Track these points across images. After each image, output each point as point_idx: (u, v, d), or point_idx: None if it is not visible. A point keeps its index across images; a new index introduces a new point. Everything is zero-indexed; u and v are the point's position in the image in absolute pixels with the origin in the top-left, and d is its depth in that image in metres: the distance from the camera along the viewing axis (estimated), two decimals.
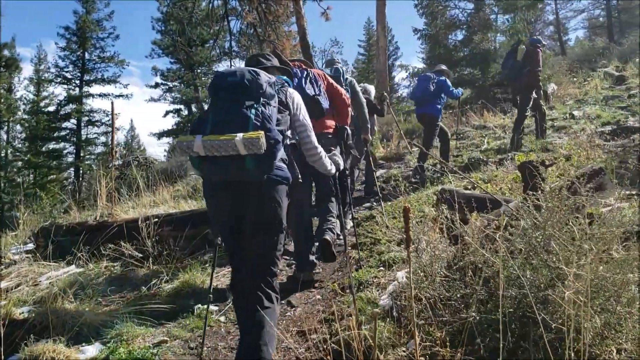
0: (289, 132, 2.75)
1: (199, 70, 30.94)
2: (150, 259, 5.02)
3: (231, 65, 13.98)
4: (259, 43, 11.01)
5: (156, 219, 5.57)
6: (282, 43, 10.49)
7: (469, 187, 6.46)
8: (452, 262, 3.14)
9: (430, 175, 7.89)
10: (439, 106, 8.22)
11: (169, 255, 5.04)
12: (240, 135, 2.33)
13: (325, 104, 4.13)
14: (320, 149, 3.02)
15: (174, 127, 32.56)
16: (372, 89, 7.93)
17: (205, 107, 30.40)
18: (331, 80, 4.47)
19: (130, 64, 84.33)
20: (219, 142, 2.35)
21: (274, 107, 2.58)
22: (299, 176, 2.91)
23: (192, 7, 15.74)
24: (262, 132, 2.37)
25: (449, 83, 8.30)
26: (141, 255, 5.15)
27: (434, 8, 15.79)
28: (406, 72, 16.72)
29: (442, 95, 8.16)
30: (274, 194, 2.63)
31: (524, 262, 2.67)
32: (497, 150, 8.66)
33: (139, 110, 62.11)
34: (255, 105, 2.48)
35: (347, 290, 3.84)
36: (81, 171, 28.97)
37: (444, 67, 8.70)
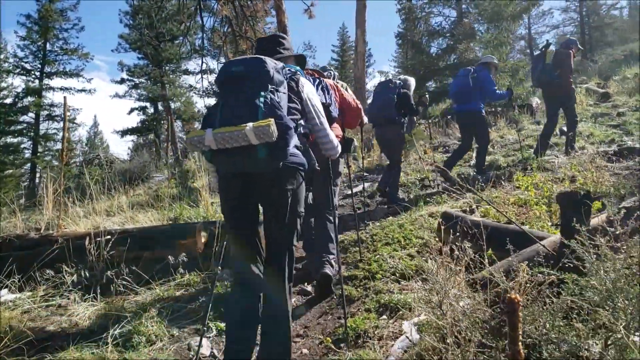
0: (302, 121, 2.73)
1: (167, 67, 29.73)
2: (99, 288, 4.14)
3: (202, 63, 13.11)
4: (234, 39, 10.14)
5: (109, 236, 4.71)
6: None
7: (467, 208, 5.81)
8: (491, 325, 2.43)
9: (419, 192, 7.23)
10: (481, 102, 7.54)
11: (122, 284, 4.20)
12: (250, 124, 2.28)
13: (334, 112, 4.01)
14: (333, 138, 3.08)
15: (139, 124, 31.25)
16: (412, 81, 7.12)
17: (173, 105, 29.54)
18: (342, 90, 4.47)
19: (98, 58, 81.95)
20: (230, 134, 2.30)
21: (284, 93, 2.54)
22: (316, 163, 2.87)
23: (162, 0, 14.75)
24: (272, 120, 2.31)
25: (492, 78, 7.58)
26: (87, 282, 4.27)
27: (416, 14, 15.21)
28: (385, 78, 16.05)
29: (481, 89, 7.46)
30: (288, 182, 2.59)
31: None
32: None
33: (104, 106, 60.15)
34: (263, 93, 2.41)
35: (342, 345, 3.09)
36: (38, 168, 27.42)
37: (492, 59, 8.01)
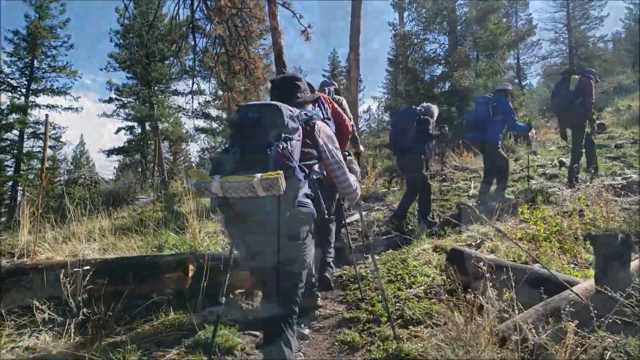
0: (316, 167, 2.68)
1: (156, 88, 29.35)
2: (73, 327, 3.72)
3: (193, 84, 12.82)
4: (227, 60, 9.86)
5: (87, 267, 4.28)
6: (253, 61, 9.39)
7: (472, 243, 5.50)
8: None
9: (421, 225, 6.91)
10: (498, 132, 7.36)
11: (100, 321, 3.79)
12: (258, 175, 2.23)
13: (332, 128, 3.88)
14: (352, 182, 2.93)
15: (126, 144, 30.70)
16: (435, 109, 6.96)
17: (160, 126, 29.20)
18: (336, 105, 4.36)
19: (87, 77, 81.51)
20: (237, 184, 2.27)
21: (297, 140, 2.48)
22: (325, 211, 2.85)
23: (154, 18, 14.49)
24: (281, 172, 2.25)
25: (511, 106, 7.42)
26: (60, 321, 3.84)
27: (411, 41, 15.10)
28: (379, 104, 15.96)
29: (502, 119, 7.29)
30: (294, 233, 2.51)
31: None
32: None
33: (91, 125, 59.61)
34: (275, 142, 2.34)
35: None
36: (20, 186, 26.67)
37: (508, 86, 7.85)
